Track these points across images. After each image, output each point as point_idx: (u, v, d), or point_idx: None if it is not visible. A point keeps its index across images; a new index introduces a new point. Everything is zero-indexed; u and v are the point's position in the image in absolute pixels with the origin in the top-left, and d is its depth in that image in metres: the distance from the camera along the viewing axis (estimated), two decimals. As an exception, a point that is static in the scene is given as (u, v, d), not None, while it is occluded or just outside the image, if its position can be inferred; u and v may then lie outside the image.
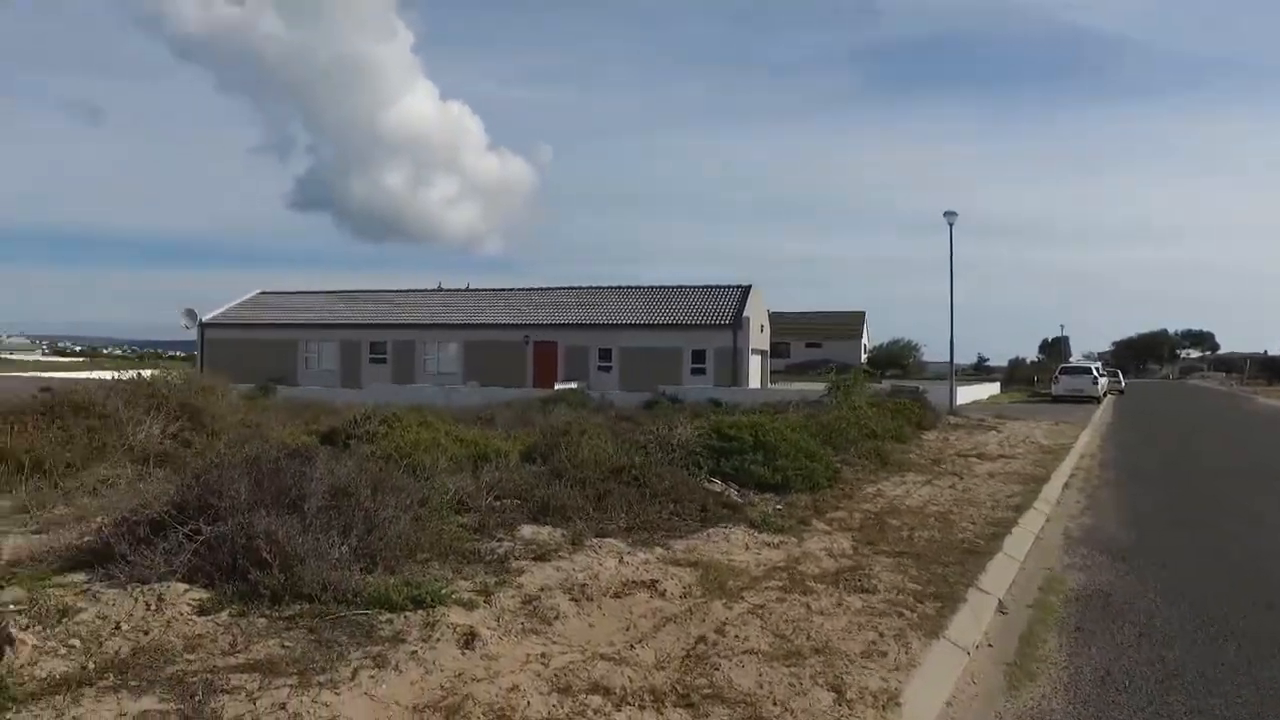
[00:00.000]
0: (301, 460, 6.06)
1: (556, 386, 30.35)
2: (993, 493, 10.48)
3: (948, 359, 31.14)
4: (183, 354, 54.10)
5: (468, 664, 4.11)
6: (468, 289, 45.38)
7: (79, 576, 5.12)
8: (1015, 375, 62.10)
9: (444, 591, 4.96)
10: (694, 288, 39.90)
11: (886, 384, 30.26)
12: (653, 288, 40.82)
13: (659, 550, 6.63)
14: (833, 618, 5.19)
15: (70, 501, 7.56)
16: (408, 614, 4.62)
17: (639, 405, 22.20)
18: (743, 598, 5.53)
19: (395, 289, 45.01)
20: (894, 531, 7.87)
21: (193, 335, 42.86)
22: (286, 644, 4.23)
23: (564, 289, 42.34)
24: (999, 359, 77.55)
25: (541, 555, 6.18)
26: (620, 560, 6.17)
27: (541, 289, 42.90)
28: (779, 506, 8.70)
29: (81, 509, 7.23)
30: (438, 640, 4.30)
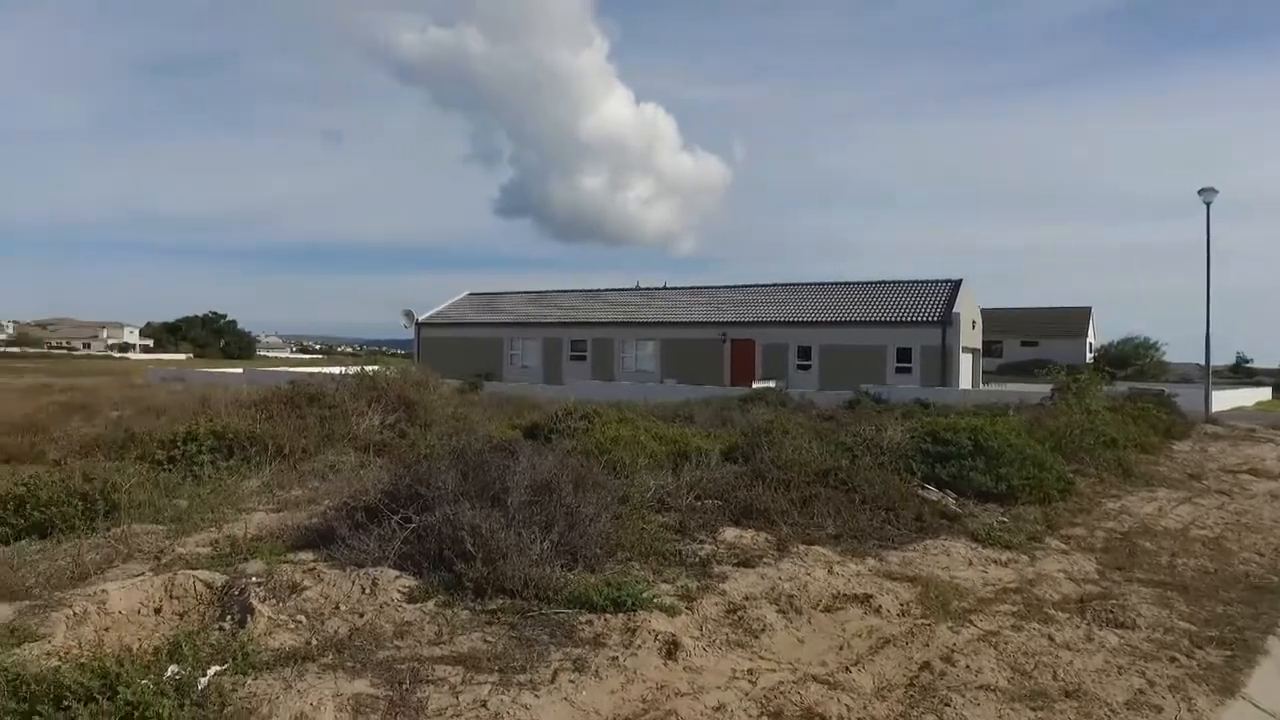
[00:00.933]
0: (505, 454, 6.11)
1: (754, 385, 29.88)
2: None
3: (1196, 359, 27.63)
4: (403, 351, 58.87)
5: (670, 675, 3.86)
6: (664, 287, 45.90)
7: (307, 555, 5.44)
8: (1293, 378, 53.38)
9: (645, 595, 4.76)
10: (899, 283, 37.90)
11: (1122, 386, 27.17)
12: (855, 284, 39.23)
13: (871, 561, 6.14)
14: (1083, 655, 4.48)
15: (304, 484, 8.20)
16: (608, 616, 4.46)
17: (840, 405, 21.27)
18: (970, 621, 4.94)
19: (594, 289, 46.35)
20: (1149, 556, 6.84)
21: (411, 334, 46.45)
22: (488, 639, 4.19)
23: (761, 286, 41.65)
24: (1266, 360, 66.86)
25: (745, 561, 5.88)
26: (830, 570, 5.73)
27: (739, 286, 42.44)
28: (1004, 519, 7.87)
29: (312, 491, 7.81)
30: (639, 647, 4.09)
